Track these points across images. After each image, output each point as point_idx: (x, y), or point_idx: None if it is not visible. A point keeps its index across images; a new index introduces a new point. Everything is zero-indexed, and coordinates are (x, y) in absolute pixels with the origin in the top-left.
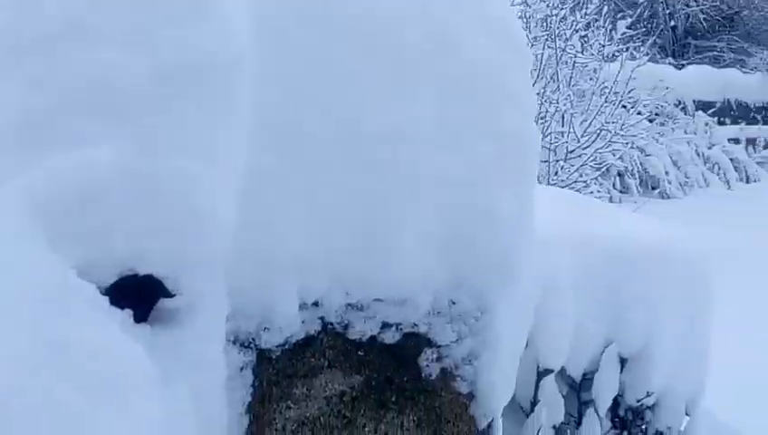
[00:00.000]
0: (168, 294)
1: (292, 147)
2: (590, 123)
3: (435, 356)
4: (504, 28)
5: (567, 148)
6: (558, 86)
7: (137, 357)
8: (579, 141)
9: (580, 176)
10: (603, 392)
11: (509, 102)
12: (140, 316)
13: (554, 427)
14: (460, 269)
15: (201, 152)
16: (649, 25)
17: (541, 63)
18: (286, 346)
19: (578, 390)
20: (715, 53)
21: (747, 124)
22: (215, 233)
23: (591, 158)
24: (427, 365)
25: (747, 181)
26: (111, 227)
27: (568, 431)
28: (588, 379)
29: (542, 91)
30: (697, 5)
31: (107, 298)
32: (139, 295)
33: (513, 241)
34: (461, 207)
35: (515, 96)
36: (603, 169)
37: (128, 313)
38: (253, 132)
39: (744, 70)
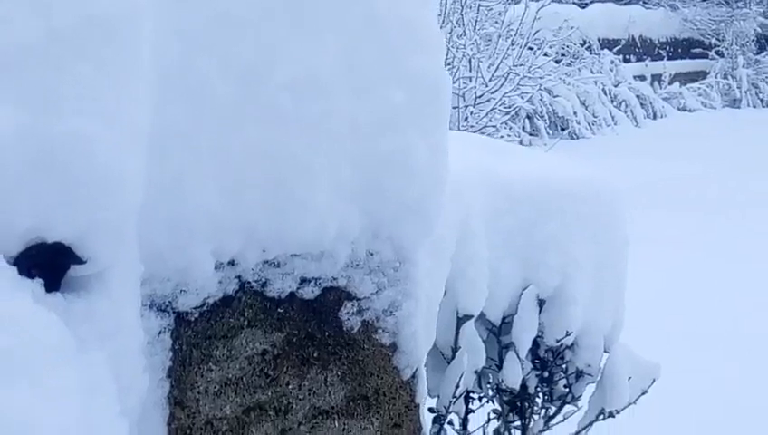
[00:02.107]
0: (79, 261)
1: (198, 103)
2: (498, 67)
3: (355, 309)
4: None
5: (475, 93)
6: (464, 31)
7: (50, 327)
8: (487, 86)
9: (490, 120)
10: (522, 335)
11: (417, 45)
12: (52, 285)
13: (476, 371)
14: (376, 218)
15: (102, 112)
16: None
17: (445, 9)
18: (204, 308)
19: (498, 334)
20: None
21: (652, 60)
22: (122, 195)
23: (500, 102)
24: (348, 319)
25: (654, 117)
26: (13, 193)
27: (490, 375)
28: (507, 322)
29: (449, 36)
30: None
31: (15, 268)
32: (49, 264)
33: (428, 187)
34: (374, 155)
35: (423, 38)
36: (512, 113)
37: (38, 282)
38: (156, 90)
39: (647, 6)
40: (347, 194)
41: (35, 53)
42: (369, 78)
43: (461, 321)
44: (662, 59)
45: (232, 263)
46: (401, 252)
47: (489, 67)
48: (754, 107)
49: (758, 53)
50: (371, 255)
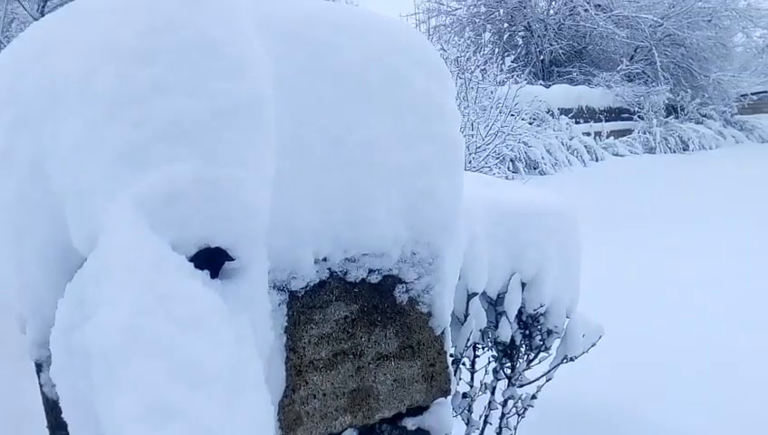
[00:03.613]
0: (230, 259)
1: (303, 157)
2: (491, 128)
3: (404, 289)
4: (437, 67)
5: (476, 145)
6: (468, 104)
7: (215, 301)
8: (483, 140)
9: (486, 164)
10: (511, 306)
11: (442, 117)
12: (213, 275)
13: (480, 330)
14: (417, 231)
15: (246, 163)
16: (526, 60)
17: (455, 89)
18: (307, 288)
19: (495, 305)
20: (571, 75)
21: (594, 122)
22: (257, 217)
23: (492, 151)
24: (400, 296)
25: (597, 160)
26: (191, 216)
27: (490, 333)
28: (501, 297)
29: (457, 108)
30: (558, 45)
31: (192, 263)
32: (212, 261)
33: (451, 210)
34: (415, 189)
35: (446, 113)
36: (501, 158)
37: (206, 272)
38: (277, 147)
39: (590, 86)
40: (397, 215)
41: (204, 125)
42: (411, 138)
43: (470, 296)
44: (601, 121)
45: (325, 259)
46: (434, 252)
47: (485, 128)
48: (665, 153)
49: (666, 117)
50: (414, 254)
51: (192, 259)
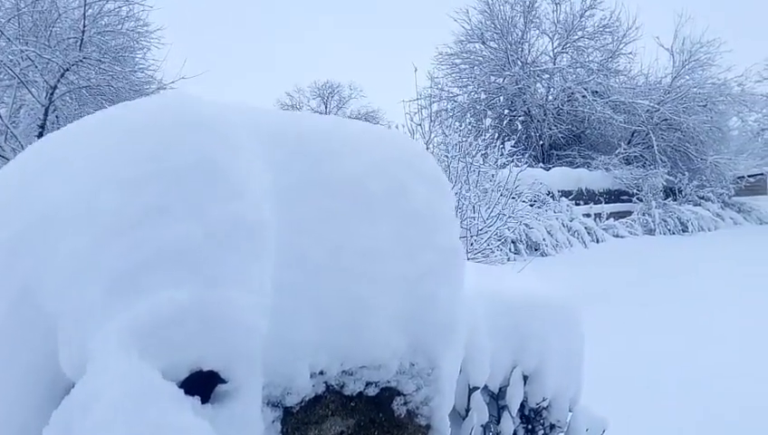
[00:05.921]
0: (223, 381)
1: (301, 268)
2: (492, 210)
3: (402, 402)
4: (436, 179)
5: (477, 227)
6: (469, 187)
7: (204, 432)
8: (485, 222)
9: (488, 246)
10: (513, 400)
11: (442, 227)
12: (205, 399)
13: (482, 425)
14: (416, 339)
15: (243, 284)
16: (526, 144)
17: (457, 173)
18: (302, 403)
19: (496, 399)
20: (570, 159)
21: (594, 204)
22: (252, 337)
23: (494, 233)
24: (398, 408)
25: (597, 242)
26: (183, 340)
27: (491, 428)
28: (502, 391)
29: (459, 191)
30: (557, 129)
31: (182, 390)
32: (203, 384)
33: (451, 317)
34: (415, 297)
35: (446, 222)
36: (502, 240)
37: (197, 398)
38: (276, 262)
39: (589, 169)
40: (396, 324)
41: (201, 248)
42: (411, 247)
43: (471, 391)
44: (601, 203)
45: (321, 373)
46: (433, 361)
47: (486, 210)
48: (664, 234)
49: (665, 199)
50: (413, 365)
51: (183, 383)
